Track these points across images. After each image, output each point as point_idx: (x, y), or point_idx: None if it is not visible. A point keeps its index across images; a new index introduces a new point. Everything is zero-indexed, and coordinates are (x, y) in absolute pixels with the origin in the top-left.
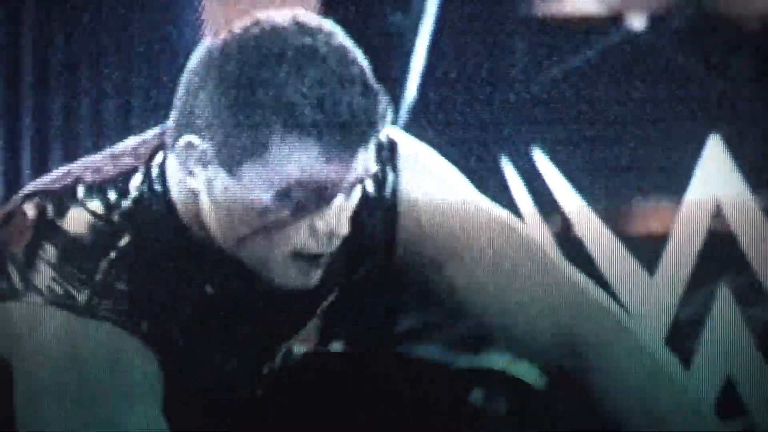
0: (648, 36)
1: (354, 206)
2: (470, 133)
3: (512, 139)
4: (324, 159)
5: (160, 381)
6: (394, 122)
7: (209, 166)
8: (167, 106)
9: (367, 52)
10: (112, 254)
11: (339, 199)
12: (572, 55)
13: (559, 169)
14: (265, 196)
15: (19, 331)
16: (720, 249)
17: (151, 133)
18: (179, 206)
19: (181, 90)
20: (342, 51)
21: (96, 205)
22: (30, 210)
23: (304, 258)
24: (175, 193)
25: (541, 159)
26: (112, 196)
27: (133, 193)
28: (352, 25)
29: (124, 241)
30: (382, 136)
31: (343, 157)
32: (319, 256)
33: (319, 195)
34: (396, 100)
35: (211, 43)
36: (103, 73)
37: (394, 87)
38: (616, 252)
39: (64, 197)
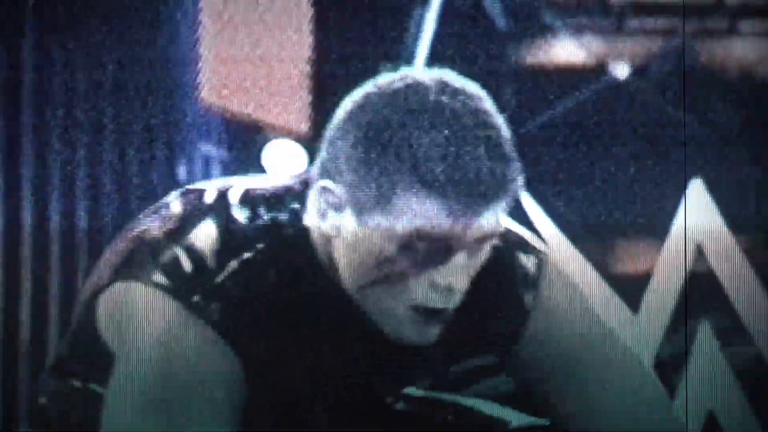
0: (632, 83)
1: (479, 266)
2: None
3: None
4: (448, 215)
5: (239, 396)
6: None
7: (341, 211)
8: None
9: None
10: (240, 262)
11: (461, 256)
12: (559, 101)
13: (545, 211)
14: (390, 246)
15: (135, 312)
16: (701, 288)
17: (305, 171)
18: (316, 243)
19: (326, 135)
20: (480, 114)
21: (242, 213)
22: (179, 204)
23: (424, 313)
24: (312, 230)
25: (527, 201)
26: (260, 209)
27: (280, 214)
28: (345, 70)
29: (255, 253)
30: (536, 244)
31: (468, 216)
32: (439, 312)
33: (441, 250)
34: None
35: (357, 94)
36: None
37: None
38: (601, 291)
39: (215, 199)
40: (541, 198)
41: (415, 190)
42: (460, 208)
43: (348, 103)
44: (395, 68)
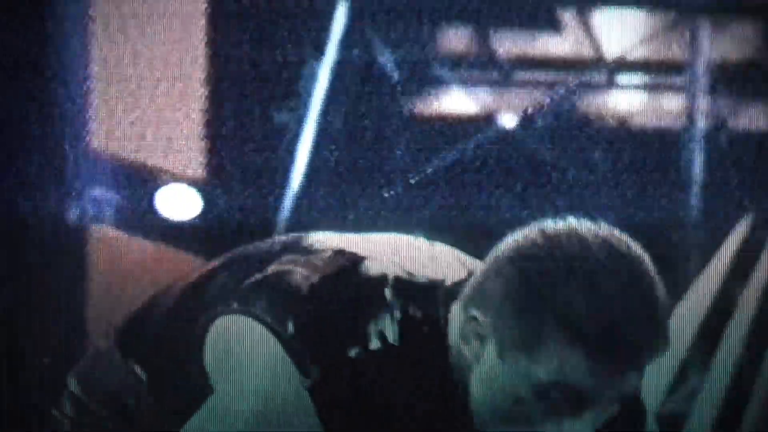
0: (518, 132)
1: (604, 422)
2: (353, 222)
3: (393, 228)
4: (590, 371)
5: None
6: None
7: (485, 342)
8: None
9: (253, 143)
10: (369, 349)
11: (593, 412)
12: (449, 150)
13: None
14: (525, 389)
15: (247, 352)
16: None
17: (464, 274)
18: (453, 358)
19: (483, 265)
20: (641, 280)
21: (391, 301)
22: (329, 261)
23: None
24: (451, 343)
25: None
26: (406, 289)
27: (425, 314)
28: (239, 118)
29: (387, 347)
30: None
31: (610, 375)
32: None
33: (576, 403)
34: (281, 190)
35: (524, 238)
36: None
37: (280, 177)
38: None
39: (370, 276)
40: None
41: (563, 344)
42: (604, 368)
43: (512, 243)
44: (288, 116)
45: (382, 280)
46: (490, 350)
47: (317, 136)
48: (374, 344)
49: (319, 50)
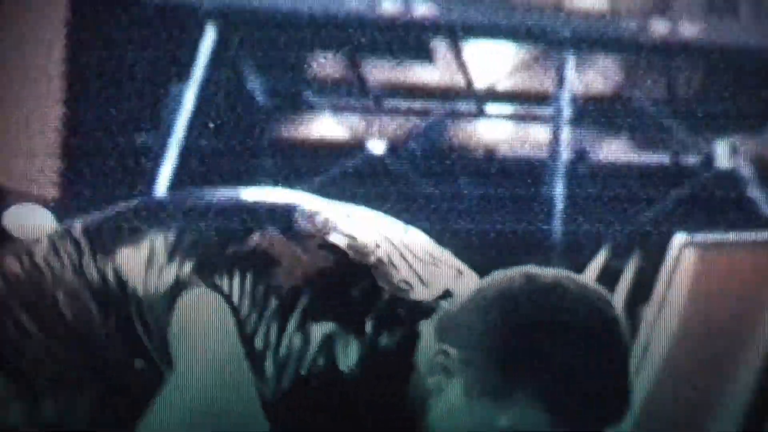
0: (387, 158)
1: None
2: None
3: None
4: (552, 429)
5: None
6: None
7: (451, 379)
8: None
9: (116, 167)
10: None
11: None
12: (316, 174)
13: None
14: None
15: (208, 326)
16: None
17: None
18: (411, 383)
19: (465, 297)
20: (618, 347)
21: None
22: (319, 258)
23: None
24: (414, 372)
25: None
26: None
27: (393, 331)
28: (100, 142)
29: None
30: None
31: None
32: None
33: None
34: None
35: (511, 282)
36: None
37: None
38: None
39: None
40: None
41: (532, 398)
42: (567, 429)
43: (497, 284)
44: (152, 137)
45: (363, 290)
46: (456, 387)
47: (181, 156)
48: (341, 361)
49: (186, 73)
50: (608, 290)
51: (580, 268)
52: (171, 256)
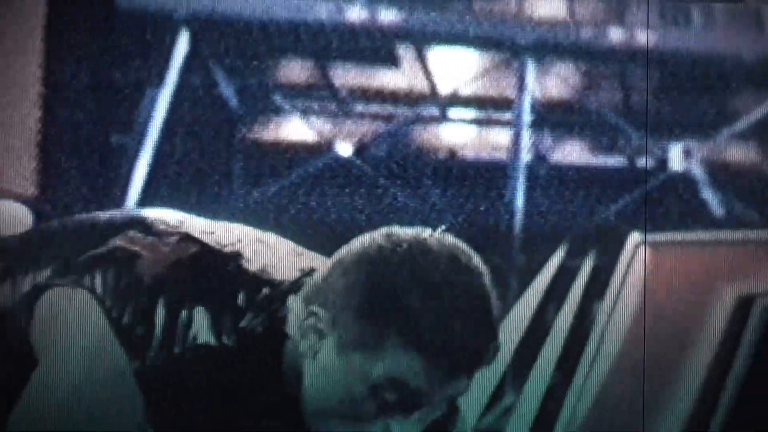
0: (354, 161)
1: (428, 422)
2: None
3: None
4: (425, 375)
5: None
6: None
7: (323, 337)
8: None
9: (92, 167)
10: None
11: (423, 411)
12: (285, 175)
13: None
14: (360, 387)
15: (70, 321)
16: None
17: (300, 276)
18: (285, 353)
19: (329, 262)
20: (479, 293)
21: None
22: (180, 249)
23: None
24: (287, 342)
25: None
26: (246, 294)
27: (260, 309)
28: (77, 143)
29: (221, 343)
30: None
31: (443, 379)
32: None
33: (409, 403)
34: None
35: (371, 243)
36: None
37: (119, 197)
38: None
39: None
40: None
41: (402, 347)
42: (440, 372)
43: (358, 246)
44: (128, 139)
45: (225, 273)
46: (328, 346)
47: (155, 158)
48: (210, 338)
49: (160, 77)
50: (565, 289)
51: (538, 265)
52: (27, 269)
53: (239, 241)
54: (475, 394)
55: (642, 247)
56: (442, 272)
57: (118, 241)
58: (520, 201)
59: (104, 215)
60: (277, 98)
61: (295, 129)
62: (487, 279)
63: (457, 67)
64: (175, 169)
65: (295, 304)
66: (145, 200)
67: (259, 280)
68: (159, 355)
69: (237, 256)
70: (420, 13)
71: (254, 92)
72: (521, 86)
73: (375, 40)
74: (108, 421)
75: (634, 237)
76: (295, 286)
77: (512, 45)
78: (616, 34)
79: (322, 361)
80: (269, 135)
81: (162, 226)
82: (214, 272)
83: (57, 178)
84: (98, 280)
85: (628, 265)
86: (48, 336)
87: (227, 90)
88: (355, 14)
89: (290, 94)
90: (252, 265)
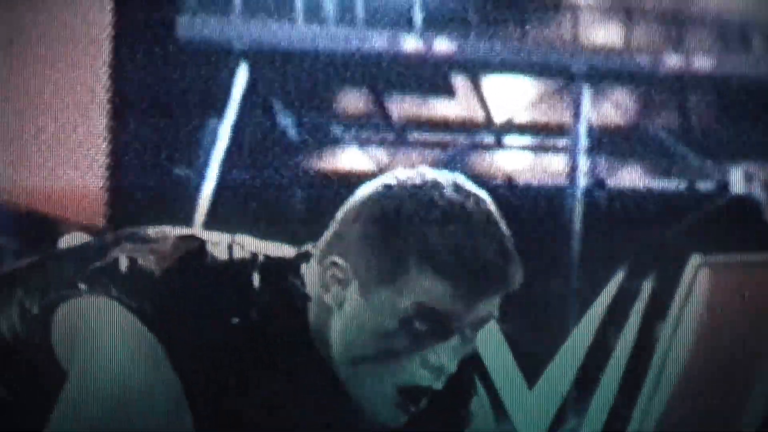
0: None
1: (468, 352)
2: None
3: None
4: (451, 298)
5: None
6: None
7: (347, 286)
8: None
9: (157, 198)
10: (227, 321)
11: (456, 339)
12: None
13: None
14: (390, 322)
15: (99, 329)
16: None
17: (307, 245)
18: (310, 315)
19: (338, 215)
20: (488, 215)
21: (242, 271)
22: (173, 245)
23: (408, 394)
24: (310, 302)
25: None
26: (261, 274)
27: (278, 281)
28: (144, 175)
29: (243, 318)
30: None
31: (469, 301)
32: (422, 394)
33: (439, 330)
34: None
35: (376, 182)
36: None
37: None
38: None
39: (215, 252)
40: None
41: (425, 273)
42: (464, 293)
43: (365, 190)
44: (188, 170)
45: (232, 259)
46: (353, 292)
47: (217, 189)
48: (235, 320)
49: (221, 109)
50: (625, 311)
51: (598, 289)
52: (34, 292)
53: (234, 240)
54: (536, 417)
55: (703, 269)
56: (449, 198)
57: (117, 253)
58: (577, 223)
59: (94, 238)
60: (336, 129)
61: (354, 158)
62: (492, 205)
63: (512, 95)
64: (236, 201)
65: (312, 264)
66: (208, 226)
67: (269, 258)
68: (188, 341)
69: (239, 245)
70: (474, 43)
71: (313, 123)
72: (577, 112)
73: (430, 70)
74: (155, 408)
75: (696, 259)
76: (306, 255)
77: (567, 72)
78: (672, 60)
79: (348, 310)
80: (328, 165)
81: (155, 235)
82: (222, 259)
83: (122, 210)
84: (111, 285)
85: (690, 287)
86: (74, 346)
87: (286, 121)
88: (410, 44)
89: (348, 125)
90: (258, 248)
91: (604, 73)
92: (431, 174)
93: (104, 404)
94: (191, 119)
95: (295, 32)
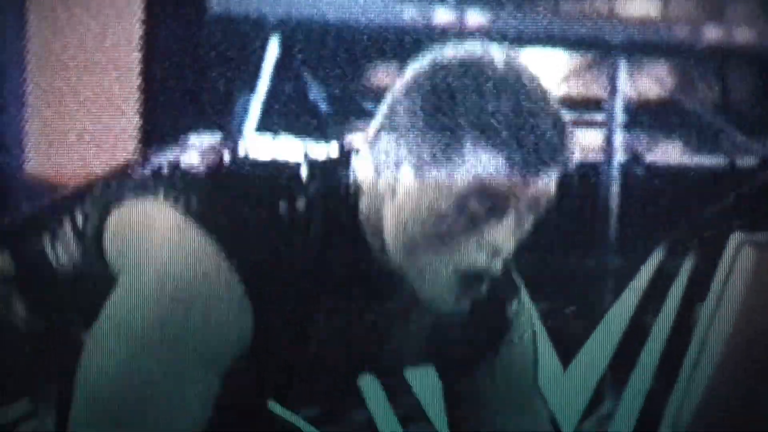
0: None
1: (525, 235)
2: None
3: None
4: (506, 174)
5: (240, 341)
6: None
7: (399, 167)
8: None
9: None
10: (276, 213)
11: (512, 218)
12: None
13: None
14: (445, 203)
15: (152, 231)
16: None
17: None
18: (360, 203)
19: (388, 97)
20: (543, 90)
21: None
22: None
23: (465, 278)
24: (362, 191)
25: None
26: (308, 166)
27: (326, 173)
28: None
29: (291, 208)
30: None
31: (525, 174)
32: (482, 277)
33: (495, 208)
34: None
35: (425, 59)
36: None
37: None
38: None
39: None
40: None
41: (479, 145)
42: (520, 166)
43: (414, 67)
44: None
45: (277, 156)
46: (405, 175)
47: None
48: (283, 209)
49: (252, 82)
50: (663, 291)
51: (635, 267)
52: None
53: None
54: (572, 400)
55: (745, 247)
56: (503, 71)
57: (162, 158)
58: (614, 201)
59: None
60: (367, 101)
61: None
62: (547, 84)
63: (546, 68)
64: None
65: (362, 151)
66: None
67: (316, 154)
68: (239, 235)
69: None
70: (507, 15)
71: (344, 97)
72: (613, 86)
73: (463, 43)
74: (220, 301)
75: (737, 237)
76: (354, 150)
77: (602, 45)
78: (712, 32)
79: (401, 194)
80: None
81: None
82: (268, 158)
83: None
84: (161, 191)
85: (731, 267)
86: (127, 250)
87: (317, 95)
88: (443, 17)
89: (378, 98)
90: (306, 147)
91: (641, 45)
92: (482, 48)
93: (159, 302)
94: (223, 91)
95: (326, 4)
